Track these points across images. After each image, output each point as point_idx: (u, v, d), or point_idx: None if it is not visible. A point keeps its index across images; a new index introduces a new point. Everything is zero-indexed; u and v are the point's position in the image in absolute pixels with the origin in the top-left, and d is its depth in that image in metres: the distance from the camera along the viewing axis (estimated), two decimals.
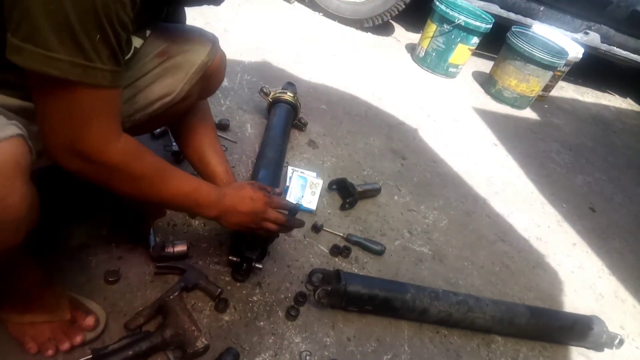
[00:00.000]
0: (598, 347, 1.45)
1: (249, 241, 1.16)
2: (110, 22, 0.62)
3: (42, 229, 0.71)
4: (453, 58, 2.95)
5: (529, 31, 3.08)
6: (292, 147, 1.78)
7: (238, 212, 0.99)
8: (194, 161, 1.17)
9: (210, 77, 1.03)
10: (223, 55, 1.07)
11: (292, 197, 1.49)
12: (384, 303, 1.21)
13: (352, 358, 1.15)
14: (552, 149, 2.74)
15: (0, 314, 0.89)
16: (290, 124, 1.77)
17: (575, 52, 3.07)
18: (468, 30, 2.81)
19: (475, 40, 2.90)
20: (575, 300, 1.67)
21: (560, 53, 2.92)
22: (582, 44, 3.21)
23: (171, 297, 1.01)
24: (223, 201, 0.97)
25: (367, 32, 3.20)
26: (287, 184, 1.55)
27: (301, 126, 1.89)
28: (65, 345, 0.90)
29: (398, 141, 2.14)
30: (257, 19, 2.73)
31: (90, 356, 0.89)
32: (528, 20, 3.23)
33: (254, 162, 1.58)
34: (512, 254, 1.75)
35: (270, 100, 1.79)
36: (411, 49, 3.25)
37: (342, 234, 1.46)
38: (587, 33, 3.36)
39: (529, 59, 2.84)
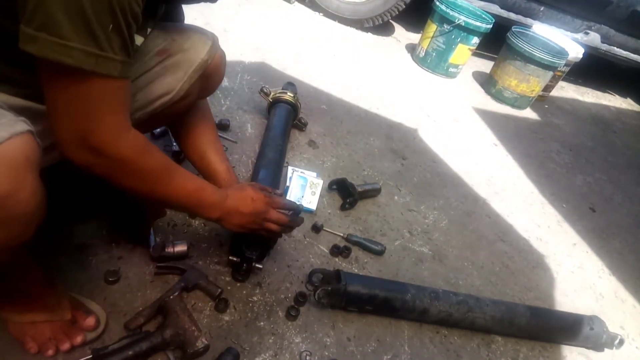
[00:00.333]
0: (598, 347, 1.45)
1: (249, 241, 1.16)
2: (123, 12, 0.62)
3: (42, 228, 0.71)
4: (453, 58, 2.95)
5: (529, 31, 3.08)
6: (292, 147, 1.78)
7: (240, 213, 1.00)
8: (194, 160, 1.17)
9: (210, 75, 1.03)
10: (223, 54, 1.07)
11: (292, 197, 1.49)
12: (384, 303, 1.21)
13: (352, 358, 1.15)
14: (552, 149, 2.74)
15: (1, 313, 0.89)
16: (290, 124, 1.77)
17: (576, 52, 3.07)
18: (468, 30, 2.81)
19: (475, 40, 2.90)
20: (575, 300, 1.67)
21: (561, 53, 2.92)
22: (582, 44, 3.21)
23: (171, 297, 1.01)
24: (225, 202, 0.97)
25: (367, 32, 3.20)
26: (287, 184, 1.55)
27: (301, 126, 1.89)
28: (66, 345, 0.90)
29: (398, 141, 2.14)
30: (257, 19, 2.73)
31: (90, 356, 0.89)
32: (528, 20, 3.23)
33: (254, 162, 1.58)
34: (512, 254, 1.75)
35: (271, 100, 1.79)
36: (411, 49, 3.25)
37: (342, 234, 1.46)
38: (587, 33, 3.36)
39: (529, 59, 2.84)
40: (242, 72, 2.13)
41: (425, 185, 1.92)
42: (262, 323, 1.13)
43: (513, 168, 2.36)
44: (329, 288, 1.16)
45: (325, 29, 3.02)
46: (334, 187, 1.63)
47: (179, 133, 1.16)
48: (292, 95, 1.79)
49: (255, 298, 1.18)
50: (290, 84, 1.95)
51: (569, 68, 3.19)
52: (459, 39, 2.87)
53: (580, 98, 3.85)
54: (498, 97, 3.06)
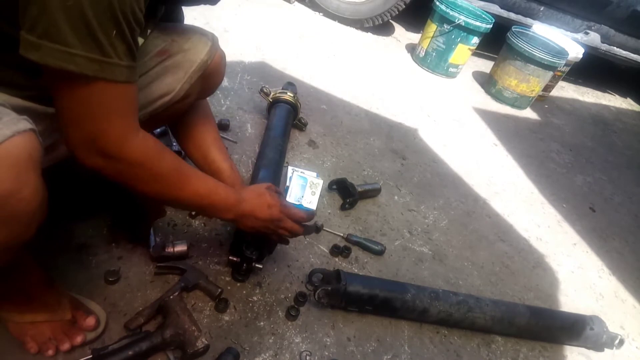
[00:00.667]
0: (598, 347, 1.45)
1: (249, 241, 1.16)
2: (126, 18, 0.63)
3: (43, 228, 0.71)
4: (453, 58, 2.95)
5: (529, 31, 3.08)
6: (292, 147, 1.78)
7: (255, 217, 1.01)
8: (197, 159, 1.16)
9: (209, 76, 1.03)
10: (222, 54, 1.07)
11: (292, 197, 1.49)
12: (384, 303, 1.21)
13: (352, 358, 1.15)
14: (552, 149, 2.74)
15: (1, 313, 0.89)
16: (290, 124, 1.77)
17: (576, 52, 3.07)
18: (468, 30, 2.81)
19: (475, 40, 2.90)
20: (575, 300, 1.67)
21: (561, 53, 2.92)
22: (582, 44, 3.21)
23: (171, 297, 1.01)
24: (241, 206, 0.98)
25: (367, 32, 3.20)
26: (287, 184, 1.55)
27: (301, 126, 1.89)
28: (66, 346, 0.90)
29: (398, 141, 2.14)
30: (257, 19, 2.73)
31: (90, 356, 0.89)
32: (528, 20, 3.23)
33: (254, 162, 1.58)
34: (512, 254, 1.75)
35: (271, 100, 1.79)
36: (411, 49, 3.25)
37: (342, 234, 1.46)
38: (587, 33, 3.36)
39: (529, 59, 2.84)
40: (242, 72, 2.13)
41: (425, 185, 1.92)
42: (262, 323, 1.13)
43: (513, 168, 2.36)
44: (329, 288, 1.16)
45: (326, 29, 3.02)
46: (334, 187, 1.63)
47: (181, 133, 1.16)
48: (292, 95, 1.79)
49: (255, 298, 1.18)
50: (290, 84, 1.95)
51: (569, 68, 3.19)
52: (459, 39, 2.87)
53: (580, 98, 3.85)
54: (498, 97, 3.06)
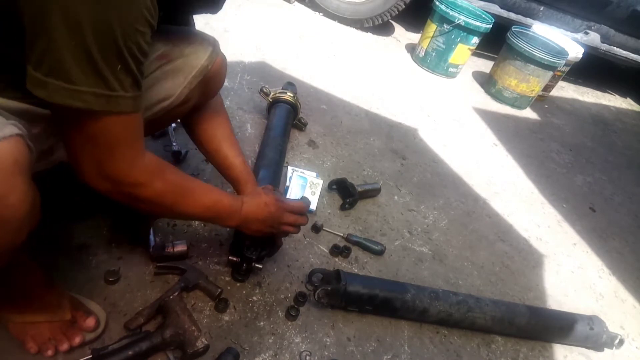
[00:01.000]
0: (598, 347, 1.45)
1: (249, 241, 1.16)
2: (131, 52, 0.63)
3: (42, 229, 0.71)
4: (453, 58, 2.95)
5: (529, 31, 3.08)
6: (292, 147, 1.78)
7: (257, 219, 1.03)
8: (209, 154, 1.16)
9: (210, 80, 1.03)
10: (224, 58, 1.07)
11: (292, 197, 1.49)
12: (384, 303, 1.21)
13: (352, 358, 1.15)
14: (552, 149, 2.74)
15: (2, 313, 0.89)
16: (290, 124, 1.77)
17: (575, 52, 3.07)
18: (468, 30, 2.81)
19: (475, 40, 2.90)
20: (575, 300, 1.67)
21: (560, 53, 2.92)
22: (582, 44, 3.21)
23: (171, 297, 1.01)
24: (242, 210, 1.00)
25: (367, 32, 3.20)
26: (287, 184, 1.55)
27: (301, 126, 1.89)
28: (64, 346, 0.90)
29: (398, 141, 2.14)
30: (257, 19, 2.73)
31: (90, 356, 0.89)
32: (528, 20, 3.23)
33: (254, 162, 1.58)
34: (512, 254, 1.75)
35: (270, 100, 1.79)
36: (411, 49, 3.25)
37: (342, 234, 1.46)
38: (587, 33, 3.36)
39: (529, 59, 2.84)
40: (242, 72, 2.13)
41: (425, 185, 1.92)
42: (262, 323, 1.13)
43: (513, 168, 2.36)
44: (329, 288, 1.16)
45: (325, 29, 3.02)
46: (334, 187, 1.63)
47: (193, 127, 1.15)
48: (291, 95, 1.79)
49: (255, 298, 1.18)
50: (290, 84, 1.95)
51: (568, 68, 3.19)
52: (458, 39, 2.87)
53: (580, 98, 3.85)
54: (498, 97, 3.06)
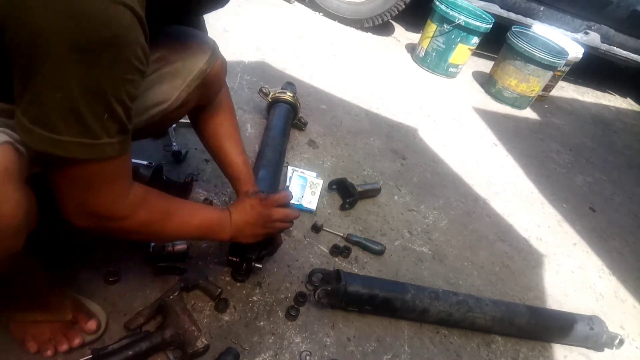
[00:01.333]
0: (598, 347, 1.45)
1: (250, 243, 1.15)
2: (120, 101, 0.62)
3: (42, 229, 0.71)
4: (453, 58, 2.95)
5: (529, 31, 3.08)
6: (292, 147, 1.78)
7: (247, 224, 1.02)
8: (211, 150, 1.16)
9: (209, 84, 1.02)
10: (223, 61, 1.06)
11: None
12: (384, 303, 1.21)
13: (352, 358, 1.15)
14: (552, 149, 2.74)
15: (3, 311, 0.89)
16: (290, 123, 1.77)
17: (575, 52, 3.07)
18: (468, 30, 2.81)
19: (475, 40, 2.90)
20: (575, 300, 1.67)
21: (560, 53, 2.92)
22: (582, 44, 3.21)
23: (171, 297, 1.01)
24: (232, 220, 1.00)
25: (367, 32, 3.20)
26: (287, 184, 1.55)
27: (301, 126, 1.89)
28: (64, 347, 0.90)
29: (398, 141, 2.14)
30: (257, 18, 2.73)
31: (90, 356, 0.89)
32: (528, 20, 3.23)
33: (254, 162, 1.58)
34: (512, 254, 1.75)
35: (270, 100, 1.79)
36: (411, 49, 3.25)
37: (342, 234, 1.46)
38: (587, 33, 3.36)
39: (529, 59, 2.84)
40: (242, 72, 2.13)
41: (425, 185, 1.92)
42: (262, 323, 1.13)
43: (513, 168, 2.36)
44: (329, 288, 1.16)
45: (325, 29, 3.02)
46: (334, 187, 1.63)
47: (199, 124, 1.15)
48: (291, 95, 1.79)
49: (255, 298, 1.18)
50: (290, 84, 1.95)
51: (568, 68, 3.19)
52: (458, 39, 2.87)
53: (580, 98, 3.85)
54: (498, 97, 3.06)
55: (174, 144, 1.49)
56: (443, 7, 2.79)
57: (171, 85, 0.94)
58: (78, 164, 0.65)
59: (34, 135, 0.59)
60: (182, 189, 1.34)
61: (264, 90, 1.80)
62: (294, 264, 1.31)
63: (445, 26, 2.84)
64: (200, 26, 1.09)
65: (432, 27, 2.93)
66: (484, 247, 1.72)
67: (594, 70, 4.10)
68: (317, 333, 1.16)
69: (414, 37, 3.45)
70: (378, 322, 1.25)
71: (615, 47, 3.48)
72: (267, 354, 1.07)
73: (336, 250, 1.39)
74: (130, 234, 0.82)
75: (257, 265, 1.17)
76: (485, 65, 3.48)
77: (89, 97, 0.58)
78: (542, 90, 3.16)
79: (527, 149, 2.61)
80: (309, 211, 1.50)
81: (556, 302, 1.62)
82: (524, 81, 2.93)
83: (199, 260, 1.20)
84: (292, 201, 1.46)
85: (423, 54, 3.03)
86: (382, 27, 3.23)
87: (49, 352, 0.89)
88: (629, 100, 4.38)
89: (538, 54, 2.79)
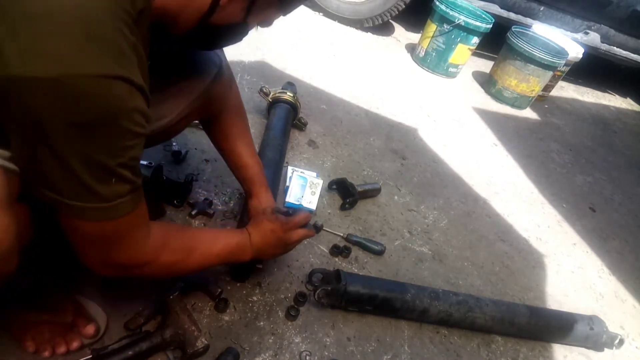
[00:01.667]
0: (598, 347, 1.45)
1: None
2: (122, 164, 0.61)
3: (42, 229, 0.71)
4: (453, 58, 2.95)
5: (529, 31, 3.08)
6: (292, 147, 1.78)
7: (268, 245, 1.03)
8: (224, 152, 1.16)
9: (212, 101, 1.02)
10: (229, 78, 1.06)
11: (292, 197, 1.49)
12: (384, 303, 1.21)
13: (352, 358, 1.15)
14: (552, 149, 2.74)
15: (4, 310, 0.89)
16: (290, 124, 1.77)
17: (575, 52, 3.07)
18: (468, 30, 2.81)
19: (475, 40, 2.90)
20: (575, 300, 1.67)
21: (560, 53, 2.92)
22: (582, 44, 3.21)
23: (171, 297, 1.01)
24: (252, 242, 1.00)
25: (367, 32, 3.20)
26: (287, 184, 1.55)
27: (301, 126, 1.89)
28: (62, 349, 0.90)
29: (398, 141, 2.14)
30: None
31: (90, 356, 0.89)
32: (528, 20, 3.23)
33: None
34: (512, 254, 1.75)
35: (270, 100, 1.79)
36: (411, 49, 3.25)
37: (342, 234, 1.46)
38: (587, 33, 3.36)
39: (529, 59, 2.84)
40: (241, 71, 2.13)
41: (425, 185, 1.92)
42: (262, 323, 1.13)
43: (513, 168, 2.36)
44: (329, 288, 1.16)
45: (325, 29, 3.02)
46: (334, 187, 1.63)
47: (210, 125, 1.14)
48: (291, 95, 1.79)
49: (255, 298, 1.18)
50: (290, 84, 1.95)
51: (568, 68, 3.19)
52: (458, 39, 2.87)
53: (580, 98, 3.85)
54: (498, 97, 3.06)
55: (174, 144, 1.49)
56: (443, 7, 2.79)
57: (174, 103, 0.93)
58: (92, 225, 0.64)
59: (41, 195, 0.59)
60: (182, 189, 1.34)
61: (265, 90, 1.80)
62: (294, 264, 1.31)
63: (445, 26, 2.84)
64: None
65: (432, 27, 2.93)
66: (484, 247, 1.72)
67: (594, 70, 4.10)
68: (317, 333, 1.16)
69: (414, 37, 3.45)
70: (378, 322, 1.25)
71: (615, 47, 3.48)
72: (267, 354, 1.07)
73: (336, 250, 1.39)
74: (155, 276, 0.83)
75: (257, 265, 1.17)
76: (485, 65, 3.48)
77: (91, 169, 0.58)
78: (542, 90, 3.16)
79: (527, 149, 2.61)
80: (309, 211, 1.50)
81: (556, 302, 1.62)
82: (524, 81, 2.93)
83: None
84: (292, 201, 1.47)
85: (423, 54, 3.03)
86: (382, 27, 3.22)
87: (47, 353, 0.89)
88: (629, 100, 4.38)
89: (538, 54, 2.79)
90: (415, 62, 3.11)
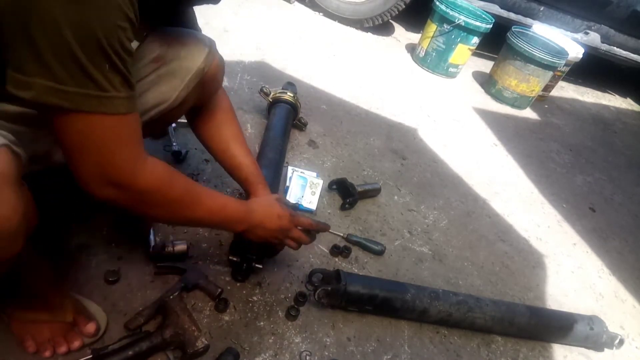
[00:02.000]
0: (598, 347, 1.45)
1: (250, 242, 1.15)
2: (115, 50, 0.61)
3: (42, 229, 0.71)
4: (453, 58, 2.95)
5: (529, 31, 3.08)
6: (292, 147, 1.78)
7: (264, 227, 1.02)
8: (217, 153, 1.15)
9: (207, 83, 1.02)
10: (221, 60, 1.05)
11: (292, 197, 1.49)
12: (384, 303, 1.21)
13: (352, 358, 1.15)
14: (552, 149, 2.74)
15: (5, 310, 0.89)
16: (290, 124, 1.77)
17: (576, 52, 3.07)
18: (468, 30, 2.81)
19: (475, 40, 2.90)
20: (575, 300, 1.67)
21: (561, 53, 2.92)
22: (582, 44, 3.21)
23: (171, 297, 1.01)
24: (251, 217, 0.99)
25: (367, 32, 3.20)
26: (287, 184, 1.55)
27: (301, 126, 1.89)
28: (63, 349, 0.90)
29: (398, 141, 2.14)
30: (257, 18, 2.73)
31: (90, 356, 0.89)
32: (528, 20, 3.23)
33: None
34: (512, 254, 1.75)
35: (270, 100, 1.79)
36: (411, 49, 3.25)
37: (342, 234, 1.46)
38: (587, 33, 3.36)
39: (529, 59, 2.84)
40: (242, 72, 2.13)
41: (425, 185, 1.92)
42: (262, 323, 1.13)
43: (513, 168, 2.36)
44: (329, 288, 1.16)
45: (325, 28, 3.02)
46: (334, 187, 1.63)
47: (200, 126, 1.14)
48: (292, 95, 1.79)
49: (255, 298, 1.18)
50: (290, 84, 1.95)
51: (568, 68, 3.19)
52: (458, 39, 2.87)
53: (580, 98, 3.85)
54: (498, 97, 3.06)
55: (174, 144, 1.49)
56: (443, 7, 2.79)
57: (169, 86, 0.94)
58: (88, 120, 0.63)
59: (36, 88, 0.58)
60: None
61: (265, 90, 1.80)
62: (294, 264, 1.31)
63: (445, 26, 2.84)
64: (193, 25, 1.08)
65: (432, 27, 2.93)
66: (484, 247, 1.72)
67: (594, 70, 4.10)
68: (317, 333, 1.16)
69: (414, 37, 3.45)
70: (378, 322, 1.25)
71: (615, 47, 3.48)
72: (267, 354, 1.07)
73: (336, 250, 1.39)
74: (153, 209, 0.79)
75: (257, 265, 1.17)
76: (485, 65, 3.47)
77: (83, 40, 0.57)
78: (542, 90, 3.16)
79: (527, 149, 2.61)
80: (309, 211, 1.50)
81: (556, 302, 1.62)
82: (524, 81, 2.93)
83: (199, 260, 1.20)
84: (292, 201, 1.47)
85: (423, 54, 3.03)
86: (382, 27, 3.22)
87: (48, 353, 0.89)
88: (629, 100, 4.38)
89: (538, 54, 2.79)
90: (415, 62, 3.11)
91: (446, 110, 2.65)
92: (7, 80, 0.58)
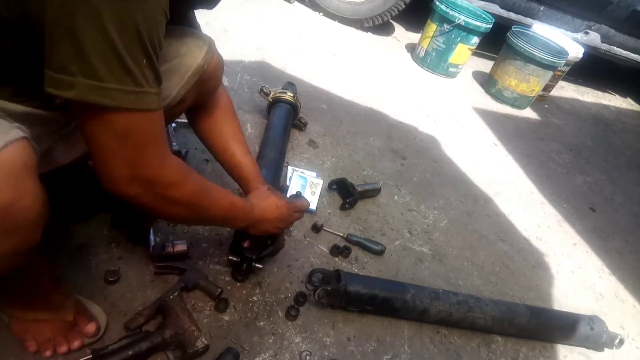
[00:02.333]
0: (598, 347, 1.45)
1: (250, 241, 1.15)
2: (153, 44, 0.62)
3: (44, 229, 0.71)
4: (453, 58, 2.95)
5: (529, 31, 3.08)
6: (292, 147, 1.78)
7: (267, 220, 1.04)
8: (217, 152, 1.15)
9: (206, 80, 1.02)
10: (220, 58, 1.06)
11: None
12: (384, 303, 1.21)
13: (352, 358, 1.15)
14: (552, 149, 2.74)
15: (6, 309, 0.89)
16: (290, 123, 1.77)
17: (576, 52, 3.07)
18: (468, 30, 2.81)
19: (475, 40, 2.90)
20: (575, 300, 1.67)
21: (561, 53, 2.92)
22: (582, 44, 3.21)
23: (171, 297, 1.01)
24: (253, 212, 1.01)
25: (367, 32, 3.20)
26: (287, 184, 1.55)
27: (301, 126, 1.89)
28: (63, 348, 0.90)
29: (398, 141, 2.14)
30: (257, 18, 2.73)
31: (90, 356, 0.89)
32: (528, 20, 3.23)
33: None
34: (512, 254, 1.75)
35: (270, 100, 1.79)
36: (411, 48, 3.25)
37: (342, 234, 1.46)
38: (587, 33, 3.36)
39: (529, 59, 2.84)
40: (241, 71, 2.13)
41: (425, 185, 1.92)
42: (262, 323, 1.13)
43: (513, 168, 2.36)
44: (329, 288, 1.16)
45: (325, 28, 3.02)
46: (334, 187, 1.63)
47: (200, 125, 1.14)
48: (292, 95, 1.79)
49: (255, 298, 1.18)
50: (290, 84, 1.95)
51: (569, 68, 3.19)
52: (458, 39, 2.87)
53: (580, 98, 3.85)
54: (498, 96, 3.06)
55: (174, 144, 1.49)
56: (443, 7, 2.79)
57: (169, 83, 0.93)
58: (123, 117, 0.64)
59: (79, 88, 0.58)
60: None
61: (265, 90, 1.80)
62: (294, 264, 1.31)
63: (445, 26, 2.84)
64: (193, 23, 1.09)
65: (432, 27, 2.93)
66: (484, 247, 1.72)
67: (594, 70, 4.10)
68: (317, 333, 1.16)
69: (414, 37, 3.45)
70: (378, 322, 1.25)
71: (615, 47, 3.48)
72: (267, 354, 1.07)
73: (336, 250, 1.39)
74: (174, 206, 0.79)
75: (257, 265, 1.17)
76: (485, 65, 3.47)
77: (125, 35, 0.58)
78: (542, 90, 3.16)
79: (527, 149, 2.61)
80: (309, 211, 1.50)
81: (556, 302, 1.62)
82: (524, 81, 2.93)
83: (199, 260, 1.20)
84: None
85: (423, 53, 3.03)
86: (382, 27, 3.22)
87: (48, 353, 0.89)
88: (629, 100, 4.38)
89: (538, 54, 2.79)
90: (415, 62, 3.11)
91: (446, 110, 2.65)
92: (46, 82, 0.59)
